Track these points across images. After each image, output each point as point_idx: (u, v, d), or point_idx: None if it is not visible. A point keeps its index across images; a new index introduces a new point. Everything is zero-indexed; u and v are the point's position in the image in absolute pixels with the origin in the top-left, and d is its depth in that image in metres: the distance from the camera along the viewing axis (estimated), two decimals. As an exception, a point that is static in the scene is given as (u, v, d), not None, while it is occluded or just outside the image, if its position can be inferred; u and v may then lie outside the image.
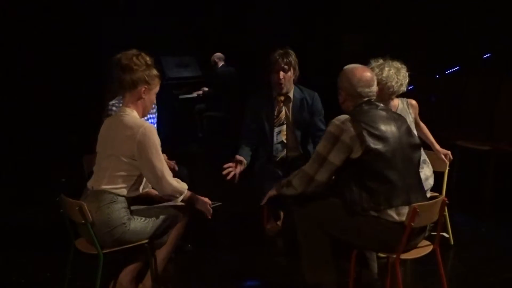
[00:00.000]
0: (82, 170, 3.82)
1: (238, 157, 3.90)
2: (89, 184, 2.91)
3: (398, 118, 2.84)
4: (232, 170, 3.77)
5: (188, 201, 3.01)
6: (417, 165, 2.83)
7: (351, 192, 2.70)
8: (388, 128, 2.72)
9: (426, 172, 3.73)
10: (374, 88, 2.86)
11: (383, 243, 2.68)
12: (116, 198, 2.78)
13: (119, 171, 2.81)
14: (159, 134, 2.88)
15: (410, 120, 3.71)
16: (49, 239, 4.13)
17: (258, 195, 3.41)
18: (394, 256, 2.66)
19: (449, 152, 3.88)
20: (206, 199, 3.04)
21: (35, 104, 7.68)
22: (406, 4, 7.14)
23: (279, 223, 4.30)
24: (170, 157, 3.53)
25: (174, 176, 2.95)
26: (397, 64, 3.61)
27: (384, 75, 3.53)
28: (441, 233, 2.93)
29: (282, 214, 4.31)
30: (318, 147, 2.77)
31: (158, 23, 8.42)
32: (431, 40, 6.73)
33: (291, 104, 4.10)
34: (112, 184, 2.80)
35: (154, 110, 3.97)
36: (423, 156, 3.78)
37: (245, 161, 3.91)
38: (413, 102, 3.82)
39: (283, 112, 4.10)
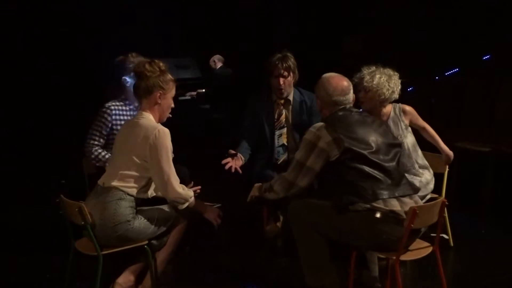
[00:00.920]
0: (82, 172, 3.82)
1: (231, 150, 3.90)
2: (100, 180, 2.96)
3: (373, 121, 2.96)
4: (230, 163, 3.78)
5: (195, 209, 3.03)
6: (398, 161, 2.88)
7: (337, 189, 2.77)
8: (365, 130, 2.83)
9: (427, 177, 3.72)
10: (350, 96, 2.99)
11: (377, 239, 2.69)
12: (125, 196, 2.84)
13: (131, 171, 2.87)
14: None
15: (402, 127, 3.70)
16: (49, 240, 4.13)
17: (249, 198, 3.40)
18: (394, 257, 2.66)
19: (452, 155, 3.86)
20: (213, 208, 3.10)
21: (35, 104, 7.69)
22: (406, 6, 7.15)
23: (278, 224, 4.30)
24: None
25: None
26: (388, 71, 3.61)
27: (374, 82, 3.54)
28: (440, 235, 2.93)
29: (281, 215, 4.31)
30: (297, 155, 2.90)
31: (158, 24, 8.44)
32: (431, 41, 6.73)
33: (291, 107, 4.10)
34: (123, 182, 2.86)
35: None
36: (424, 161, 3.77)
37: (241, 156, 3.89)
38: (407, 108, 3.77)
39: (283, 115, 4.10)
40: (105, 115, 3.63)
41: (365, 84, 3.56)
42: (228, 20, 8.91)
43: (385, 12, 7.55)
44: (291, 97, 4.09)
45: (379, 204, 2.68)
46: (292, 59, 4.01)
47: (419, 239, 2.89)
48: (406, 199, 2.75)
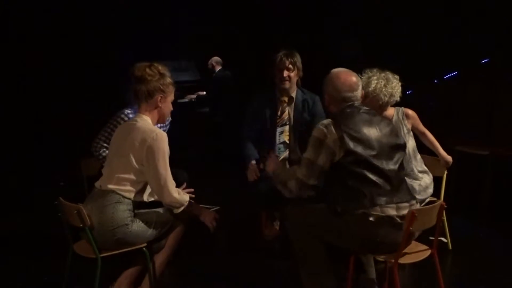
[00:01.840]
0: (81, 174, 3.83)
1: (253, 163, 3.94)
2: (97, 183, 2.95)
3: (381, 120, 2.89)
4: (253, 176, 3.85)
5: (190, 212, 3.02)
6: (401, 165, 2.85)
7: (334, 193, 2.75)
8: (370, 131, 2.77)
9: (426, 180, 3.73)
10: (358, 92, 2.91)
11: (373, 242, 2.69)
12: (122, 200, 2.83)
13: (128, 174, 2.85)
14: None
15: (404, 131, 3.70)
16: (47, 243, 4.12)
17: (253, 194, 3.39)
18: (392, 260, 2.66)
19: (450, 160, 3.85)
20: (209, 211, 3.07)
21: (34, 106, 7.68)
22: (404, 9, 7.15)
23: (277, 227, 4.30)
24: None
25: (174, 179, 2.96)
26: (387, 75, 3.60)
27: (370, 89, 3.55)
28: (439, 238, 2.93)
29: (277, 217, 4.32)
30: (306, 153, 2.83)
31: (157, 26, 8.45)
32: (429, 45, 6.74)
33: (293, 105, 4.12)
34: (120, 185, 2.85)
35: (167, 123, 3.97)
36: (423, 166, 3.78)
37: (255, 161, 3.95)
38: (410, 112, 3.77)
39: (286, 112, 4.12)
40: (122, 122, 3.64)
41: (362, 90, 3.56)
42: (228, 21, 8.92)
43: (383, 16, 7.55)
44: (294, 95, 4.12)
45: (375, 211, 2.66)
46: (298, 57, 4.06)
47: (417, 242, 2.89)
48: (403, 205, 2.73)
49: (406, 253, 2.78)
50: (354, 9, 7.85)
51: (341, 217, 2.70)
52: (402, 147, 2.90)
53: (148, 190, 2.98)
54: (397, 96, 3.62)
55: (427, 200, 3.71)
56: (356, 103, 2.89)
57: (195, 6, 8.86)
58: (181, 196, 2.94)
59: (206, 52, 8.27)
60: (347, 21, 7.91)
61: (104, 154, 3.62)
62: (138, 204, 2.95)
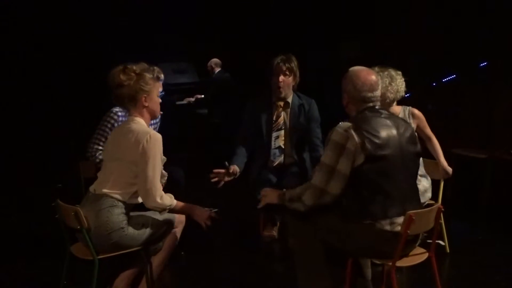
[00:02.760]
0: (79, 176, 3.82)
1: (235, 168, 3.85)
2: (92, 187, 2.93)
3: (402, 125, 2.78)
4: (220, 178, 3.76)
5: (183, 212, 3.01)
6: (415, 175, 2.82)
7: (348, 199, 2.68)
8: (391, 137, 2.67)
9: (425, 184, 3.72)
10: (378, 92, 2.80)
11: (377, 250, 2.68)
12: (116, 203, 2.80)
13: (123, 177, 2.83)
14: None
15: None
16: (44, 244, 4.12)
17: (251, 200, 3.40)
18: (390, 263, 2.66)
19: (450, 172, 3.81)
20: (204, 210, 3.03)
21: (33, 107, 7.68)
22: (404, 11, 7.17)
23: (275, 229, 4.29)
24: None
25: (169, 176, 2.94)
26: (390, 73, 3.60)
27: None
28: (437, 241, 2.93)
29: (278, 220, 4.31)
30: (324, 158, 2.68)
31: (156, 27, 8.45)
32: (428, 48, 6.75)
33: (289, 110, 4.11)
34: (114, 189, 2.82)
35: (157, 120, 3.97)
36: (422, 170, 3.77)
37: (238, 172, 3.87)
38: (416, 112, 3.75)
39: (282, 117, 4.12)
40: (112, 121, 3.63)
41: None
42: (227, 23, 8.92)
43: (383, 18, 7.57)
44: (290, 100, 4.11)
45: (385, 223, 2.62)
46: (295, 62, 4.04)
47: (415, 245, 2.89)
48: None
49: (403, 256, 2.78)
50: (354, 9, 7.87)
51: (348, 223, 2.67)
52: (419, 155, 2.85)
53: None
54: (402, 91, 3.62)
55: (426, 203, 3.70)
56: (377, 106, 2.79)
57: (195, 6, 8.87)
58: (163, 202, 2.84)
59: (206, 54, 8.27)
60: (347, 23, 7.92)
61: (100, 157, 3.59)
62: (133, 207, 2.93)
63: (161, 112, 3.09)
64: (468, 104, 6.36)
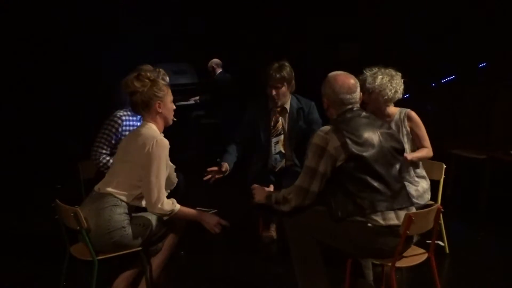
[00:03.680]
0: (78, 177, 3.82)
1: (226, 166, 3.89)
2: (96, 186, 2.95)
3: (382, 125, 2.88)
4: (212, 175, 3.83)
5: (192, 219, 3.01)
6: (399, 170, 2.85)
7: (335, 198, 2.73)
8: (371, 135, 2.76)
9: (424, 186, 3.71)
10: (357, 94, 2.89)
11: (374, 248, 2.69)
12: (119, 203, 2.83)
13: (129, 178, 2.86)
14: None
15: (403, 132, 3.69)
16: (44, 245, 4.12)
17: (249, 202, 3.40)
18: (389, 264, 2.66)
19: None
20: (213, 216, 3.03)
21: (33, 108, 7.68)
22: (403, 12, 7.18)
23: (274, 230, 4.30)
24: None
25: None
26: (390, 72, 3.63)
27: (377, 83, 3.57)
28: (436, 241, 2.93)
29: (274, 221, 4.31)
30: (307, 161, 2.81)
31: (156, 28, 8.46)
32: (427, 49, 6.76)
33: (287, 115, 4.11)
34: (118, 189, 2.85)
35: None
36: (422, 172, 3.76)
37: (228, 169, 3.91)
38: (412, 114, 3.74)
39: (280, 122, 4.12)
40: (116, 125, 3.63)
41: (367, 85, 3.59)
42: (227, 24, 8.93)
43: (381, 19, 7.57)
44: (287, 105, 4.11)
45: (377, 218, 2.65)
46: (288, 69, 4.00)
47: (414, 246, 2.89)
48: (403, 212, 2.72)
49: (403, 257, 2.79)
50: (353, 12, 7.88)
51: (341, 222, 2.70)
52: (402, 151, 2.90)
53: None
54: (400, 93, 3.64)
55: (425, 204, 3.70)
56: (356, 107, 2.87)
57: (195, 6, 8.88)
58: (165, 207, 2.85)
59: (206, 54, 8.27)
60: (346, 25, 7.93)
61: (104, 161, 3.59)
62: (135, 207, 2.95)
63: (175, 119, 3.10)
64: (467, 105, 6.36)
